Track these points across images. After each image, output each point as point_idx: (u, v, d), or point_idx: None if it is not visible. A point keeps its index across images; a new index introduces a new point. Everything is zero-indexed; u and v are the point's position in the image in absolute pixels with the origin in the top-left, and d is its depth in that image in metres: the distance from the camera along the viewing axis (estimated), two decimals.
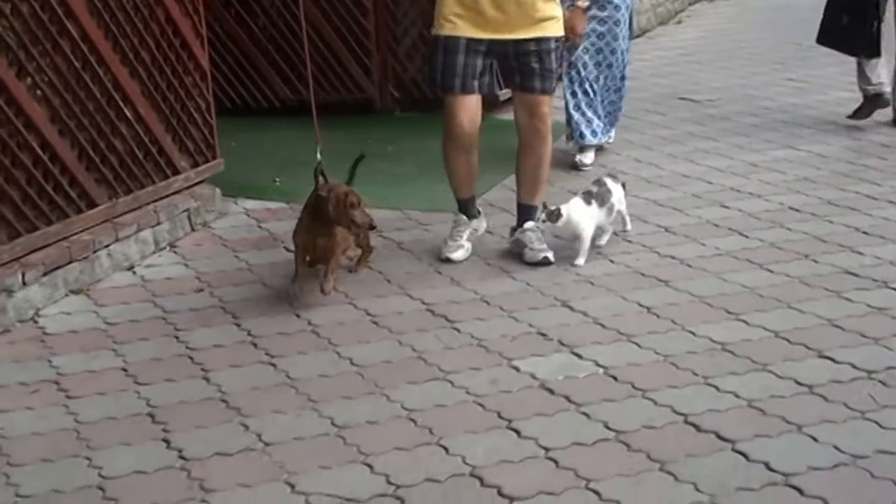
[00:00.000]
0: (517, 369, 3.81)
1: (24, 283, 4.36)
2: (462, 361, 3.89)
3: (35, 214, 4.47)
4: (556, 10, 4.79)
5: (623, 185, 5.09)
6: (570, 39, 5.44)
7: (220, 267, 4.90)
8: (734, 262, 4.79)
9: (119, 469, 3.22)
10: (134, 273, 4.92)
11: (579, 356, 3.89)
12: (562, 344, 4.00)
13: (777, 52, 10.67)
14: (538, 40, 4.72)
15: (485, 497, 3.00)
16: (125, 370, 3.92)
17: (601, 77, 6.47)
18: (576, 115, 6.49)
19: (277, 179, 6.37)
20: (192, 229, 5.46)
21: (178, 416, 3.54)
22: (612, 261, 4.87)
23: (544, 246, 4.83)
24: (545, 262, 4.77)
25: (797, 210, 5.50)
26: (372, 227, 4.58)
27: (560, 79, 5.12)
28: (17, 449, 3.36)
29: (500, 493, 3.00)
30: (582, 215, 4.76)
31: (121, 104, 4.98)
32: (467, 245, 4.98)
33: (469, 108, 4.80)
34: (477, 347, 4.02)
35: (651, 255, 4.93)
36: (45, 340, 4.19)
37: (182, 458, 3.27)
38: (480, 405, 3.55)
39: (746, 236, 5.12)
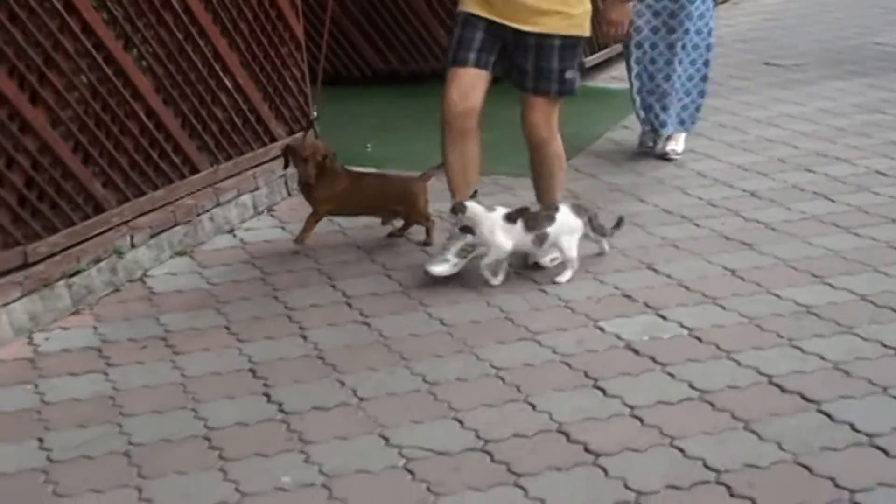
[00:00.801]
0: (603, 330, 3.85)
1: (133, 245, 4.52)
2: (549, 322, 3.93)
3: (142, 180, 4.63)
4: (568, 6, 4.21)
5: (591, 219, 4.41)
6: (608, 29, 4.78)
7: (315, 229, 5.02)
8: (819, 225, 4.77)
9: (223, 421, 3.32)
10: (234, 236, 5.06)
11: (664, 318, 3.92)
12: (647, 306, 4.03)
13: (864, 16, 10.47)
14: (538, 35, 4.22)
15: (571, 452, 3.03)
16: (228, 328, 4.03)
17: (675, 60, 5.81)
18: (637, 100, 5.97)
19: (369, 146, 6.48)
20: (289, 194, 5.58)
21: (278, 372, 3.64)
22: (696, 224, 4.88)
23: None
24: None
25: (884, 174, 5.44)
26: (308, 185, 4.70)
27: (572, 85, 4.36)
28: (128, 401, 3.49)
29: (587, 449, 3.03)
30: (489, 228, 4.22)
31: (221, 74, 5.10)
32: (454, 260, 4.34)
33: (462, 83, 4.27)
34: (563, 309, 4.06)
35: (736, 219, 4.92)
36: (153, 299, 4.33)
37: (282, 411, 3.36)
38: (567, 364, 3.59)
39: (832, 200, 5.09)
